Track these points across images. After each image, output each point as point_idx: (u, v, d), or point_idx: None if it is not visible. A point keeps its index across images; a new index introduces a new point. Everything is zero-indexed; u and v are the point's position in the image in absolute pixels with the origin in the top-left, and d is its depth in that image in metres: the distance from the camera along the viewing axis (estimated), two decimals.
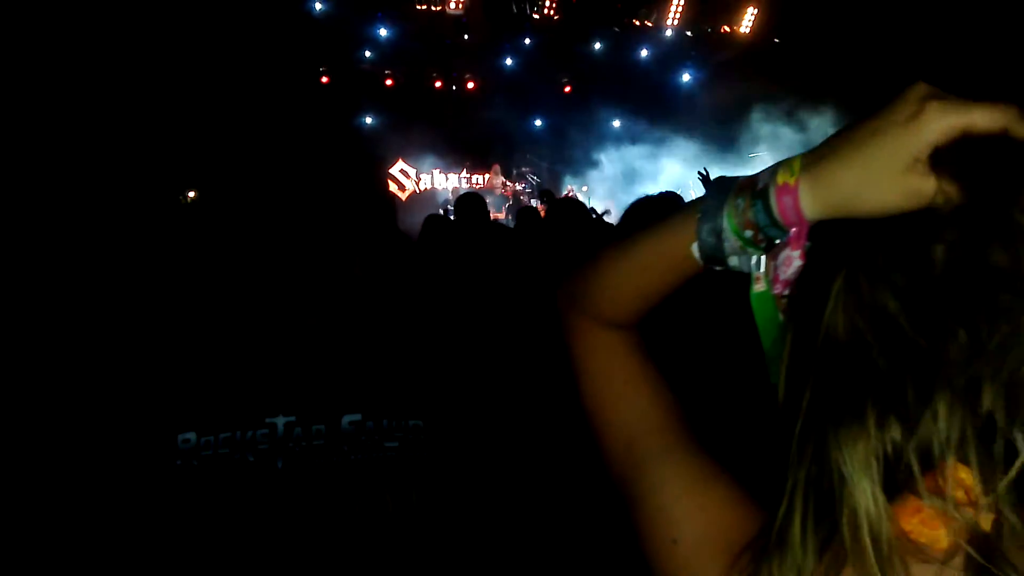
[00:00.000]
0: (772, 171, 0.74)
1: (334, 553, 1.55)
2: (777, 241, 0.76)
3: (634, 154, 16.50)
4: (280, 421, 1.61)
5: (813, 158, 0.71)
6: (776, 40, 15.67)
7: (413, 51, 15.09)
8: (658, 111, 16.26)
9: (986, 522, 0.60)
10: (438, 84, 16.14)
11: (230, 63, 10.98)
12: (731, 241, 0.78)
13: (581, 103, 16.66)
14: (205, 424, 1.59)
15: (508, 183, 17.04)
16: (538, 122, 17.13)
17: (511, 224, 9.92)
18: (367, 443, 1.60)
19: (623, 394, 0.94)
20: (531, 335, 2.83)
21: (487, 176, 17.06)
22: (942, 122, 0.62)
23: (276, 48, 12.08)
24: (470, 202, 4.83)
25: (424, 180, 16.63)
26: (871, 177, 0.65)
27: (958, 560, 0.62)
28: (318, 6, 13.84)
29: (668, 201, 3.17)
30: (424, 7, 14.71)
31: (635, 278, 0.92)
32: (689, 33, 16.14)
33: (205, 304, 2.11)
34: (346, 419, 1.61)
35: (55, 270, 3.91)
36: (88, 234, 4.97)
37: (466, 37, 15.31)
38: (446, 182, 16.71)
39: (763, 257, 0.78)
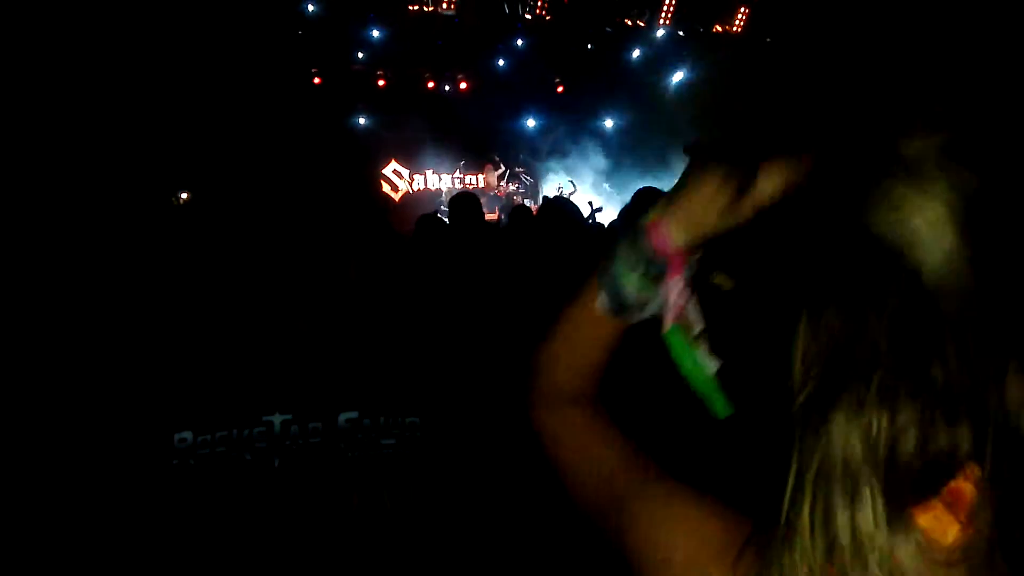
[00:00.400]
0: (646, 215, 0.89)
1: (332, 551, 1.56)
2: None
3: (626, 152, 16.51)
4: (277, 419, 1.61)
5: (669, 197, 0.87)
6: (768, 40, 15.69)
7: (405, 52, 15.05)
8: (650, 109, 16.27)
9: (992, 524, 0.60)
10: (431, 84, 16.12)
11: (222, 64, 10.96)
12: (626, 287, 0.89)
13: (574, 103, 16.66)
14: (201, 423, 1.59)
15: (502, 183, 17.03)
16: (531, 122, 17.13)
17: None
18: (364, 441, 1.60)
19: (590, 456, 0.98)
20: (525, 332, 2.83)
21: (481, 176, 17.06)
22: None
23: (268, 49, 12.06)
24: (463, 202, 4.83)
25: (417, 180, 16.61)
26: (703, 205, 0.83)
27: (966, 559, 0.62)
28: (310, 7, 13.80)
29: (650, 197, 3.16)
30: (416, 8, 14.67)
31: (574, 348, 1.00)
32: (681, 32, 16.15)
33: (200, 304, 2.11)
34: (343, 417, 1.62)
35: (51, 270, 3.90)
36: (84, 234, 4.96)
37: (458, 38, 15.29)
38: (439, 182, 16.70)
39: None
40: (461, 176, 16.99)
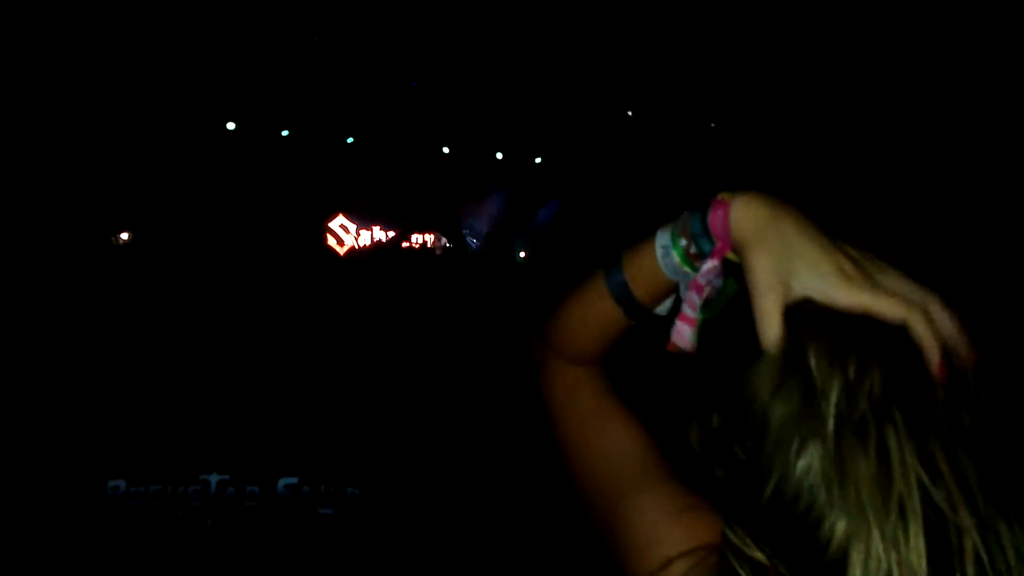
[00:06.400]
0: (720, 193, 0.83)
1: None
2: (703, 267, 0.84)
3: None
4: (213, 479, 1.59)
5: (755, 193, 0.79)
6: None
7: None
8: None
9: None
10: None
11: (164, 102, 10.80)
12: (672, 257, 0.86)
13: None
14: (136, 473, 1.58)
15: (448, 245, 17.01)
16: (485, 188, 17.22)
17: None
18: (301, 508, 1.59)
19: (594, 427, 0.98)
20: (475, 405, 2.84)
21: (430, 236, 17.03)
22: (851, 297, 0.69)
23: (217, 88, 11.92)
24: None
25: (363, 236, 16.52)
26: (791, 254, 0.72)
27: None
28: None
29: None
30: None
31: (590, 319, 0.98)
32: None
33: (144, 351, 2.09)
34: (282, 482, 1.61)
35: None
36: (20, 274, 4.85)
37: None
38: (386, 239, 16.63)
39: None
40: (408, 235, 16.93)
